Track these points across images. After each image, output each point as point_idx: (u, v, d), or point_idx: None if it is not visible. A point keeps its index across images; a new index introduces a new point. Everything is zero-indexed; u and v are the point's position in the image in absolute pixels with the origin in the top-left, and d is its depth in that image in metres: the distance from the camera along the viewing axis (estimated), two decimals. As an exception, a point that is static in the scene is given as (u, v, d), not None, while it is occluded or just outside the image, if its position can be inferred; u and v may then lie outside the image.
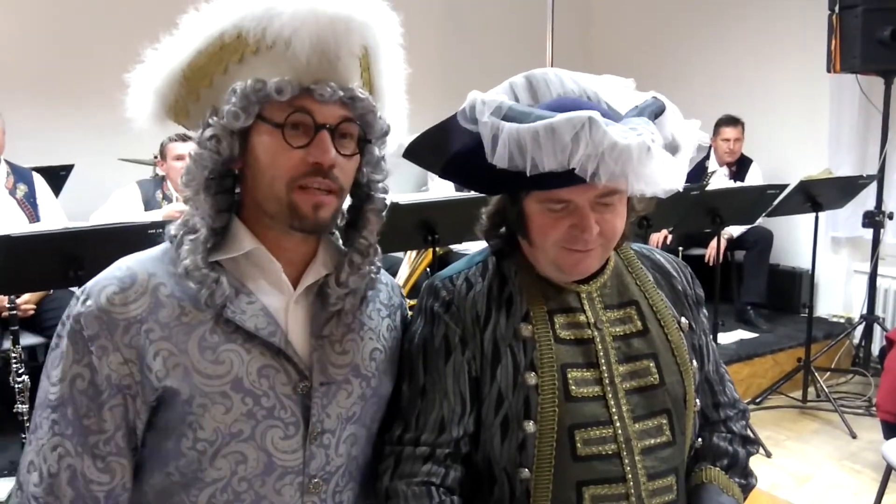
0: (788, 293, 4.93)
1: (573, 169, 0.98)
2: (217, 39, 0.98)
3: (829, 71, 4.08)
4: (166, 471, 0.99)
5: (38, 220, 3.26)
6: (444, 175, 1.19)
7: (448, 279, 1.17)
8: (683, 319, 1.20)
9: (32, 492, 0.97)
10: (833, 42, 3.99)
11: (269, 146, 0.98)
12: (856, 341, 4.41)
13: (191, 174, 1.00)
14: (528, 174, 1.00)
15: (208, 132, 0.98)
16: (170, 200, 3.71)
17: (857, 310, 4.57)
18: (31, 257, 2.49)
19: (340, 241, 1.15)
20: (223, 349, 0.98)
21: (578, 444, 1.07)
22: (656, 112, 1.05)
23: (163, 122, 1.06)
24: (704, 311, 1.28)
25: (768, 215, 4.02)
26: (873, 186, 4.11)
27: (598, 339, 1.12)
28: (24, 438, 2.79)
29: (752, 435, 1.29)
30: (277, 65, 0.96)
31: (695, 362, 1.18)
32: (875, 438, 3.44)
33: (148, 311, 0.97)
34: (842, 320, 4.71)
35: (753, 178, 4.73)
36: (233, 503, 0.99)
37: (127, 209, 3.57)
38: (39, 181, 3.39)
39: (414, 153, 1.13)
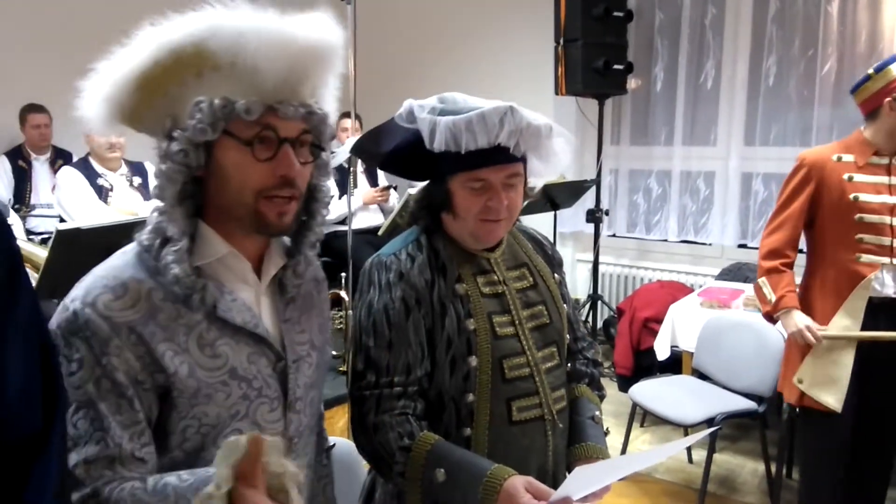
0: (530, 282, 5.69)
1: (496, 147, 1.29)
2: (172, 54, 1.01)
3: (557, 94, 4.82)
4: (170, 455, 1.06)
5: None
6: (382, 167, 1.45)
7: (393, 255, 1.40)
8: (556, 276, 1.57)
9: (81, 476, 0.98)
10: (559, 69, 4.74)
11: (237, 160, 1.04)
12: (583, 318, 5.26)
13: (163, 188, 1.04)
14: (462, 152, 1.28)
15: (175, 146, 1.02)
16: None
17: (582, 291, 5.45)
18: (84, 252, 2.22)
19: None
20: (218, 344, 1.07)
21: (506, 370, 1.38)
22: None
23: (114, 126, 1.08)
24: (564, 270, 1.67)
25: (520, 214, 4.65)
26: (593, 189, 4.96)
27: (507, 293, 1.44)
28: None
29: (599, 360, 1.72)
30: (240, 83, 1.01)
31: (565, 306, 1.57)
32: (611, 393, 4.22)
33: (147, 315, 1.02)
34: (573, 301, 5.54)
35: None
36: None
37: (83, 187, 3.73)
38: None
39: (359, 150, 1.38)
